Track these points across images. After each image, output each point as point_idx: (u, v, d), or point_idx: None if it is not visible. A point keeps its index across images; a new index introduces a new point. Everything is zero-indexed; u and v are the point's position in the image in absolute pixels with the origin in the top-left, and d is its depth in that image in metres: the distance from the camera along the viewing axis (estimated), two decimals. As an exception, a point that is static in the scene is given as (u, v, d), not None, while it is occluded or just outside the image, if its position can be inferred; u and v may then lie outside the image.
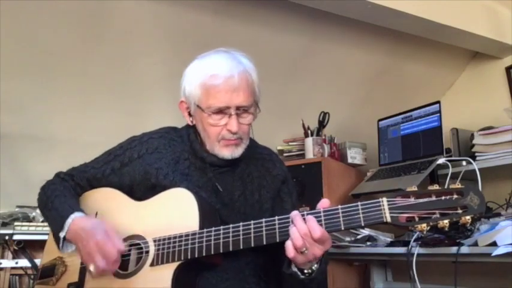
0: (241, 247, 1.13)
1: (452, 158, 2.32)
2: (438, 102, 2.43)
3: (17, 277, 2.26)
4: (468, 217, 0.97)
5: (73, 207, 1.28)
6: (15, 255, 2.23)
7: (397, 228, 1.66)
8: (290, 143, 2.79)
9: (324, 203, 1.10)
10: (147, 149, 1.34)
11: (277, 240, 1.10)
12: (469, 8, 2.56)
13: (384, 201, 1.03)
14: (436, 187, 1.03)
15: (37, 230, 2.20)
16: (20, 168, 2.34)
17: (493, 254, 1.65)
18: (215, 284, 1.22)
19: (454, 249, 1.83)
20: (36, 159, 2.33)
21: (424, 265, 1.98)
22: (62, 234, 1.24)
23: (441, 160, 2.26)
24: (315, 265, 1.13)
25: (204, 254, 1.14)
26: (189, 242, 1.16)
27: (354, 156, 2.71)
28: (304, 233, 1.05)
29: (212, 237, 1.15)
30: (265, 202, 1.33)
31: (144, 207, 1.28)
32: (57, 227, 1.25)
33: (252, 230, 1.12)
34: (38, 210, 2.26)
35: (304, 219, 1.07)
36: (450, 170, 2.20)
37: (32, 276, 2.22)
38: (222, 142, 1.27)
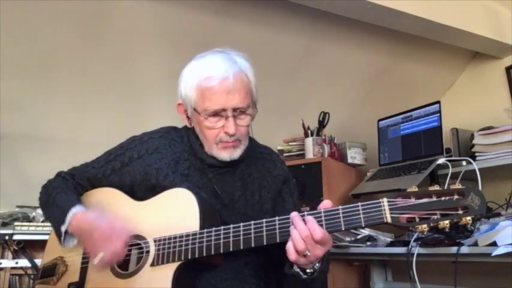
0: (242, 247, 1.12)
1: (452, 158, 2.32)
2: (438, 102, 2.43)
3: (17, 277, 2.26)
4: (469, 218, 0.97)
5: (74, 202, 1.28)
6: (15, 255, 2.23)
7: (397, 229, 1.66)
8: (290, 143, 2.79)
9: (325, 205, 1.09)
10: (147, 149, 1.34)
11: (278, 241, 1.09)
12: (469, 8, 2.55)
13: (385, 201, 1.03)
14: (436, 187, 1.02)
15: (37, 230, 2.20)
16: (20, 168, 2.34)
17: (493, 254, 1.65)
18: (215, 284, 1.21)
19: (454, 249, 1.83)
20: (36, 159, 2.33)
21: (424, 265, 1.98)
22: (63, 228, 1.24)
23: (441, 160, 2.26)
24: (317, 264, 1.12)
25: (204, 254, 1.14)
26: (190, 242, 1.16)
27: (354, 156, 2.71)
28: (305, 235, 1.04)
29: (212, 238, 1.14)
30: (265, 203, 1.32)
31: (144, 207, 1.28)
32: (59, 221, 1.25)
33: (253, 231, 1.12)
34: (38, 210, 2.27)
35: (304, 219, 1.06)
36: (450, 170, 2.21)
37: (32, 276, 2.22)
38: (220, 144, 1.26)
